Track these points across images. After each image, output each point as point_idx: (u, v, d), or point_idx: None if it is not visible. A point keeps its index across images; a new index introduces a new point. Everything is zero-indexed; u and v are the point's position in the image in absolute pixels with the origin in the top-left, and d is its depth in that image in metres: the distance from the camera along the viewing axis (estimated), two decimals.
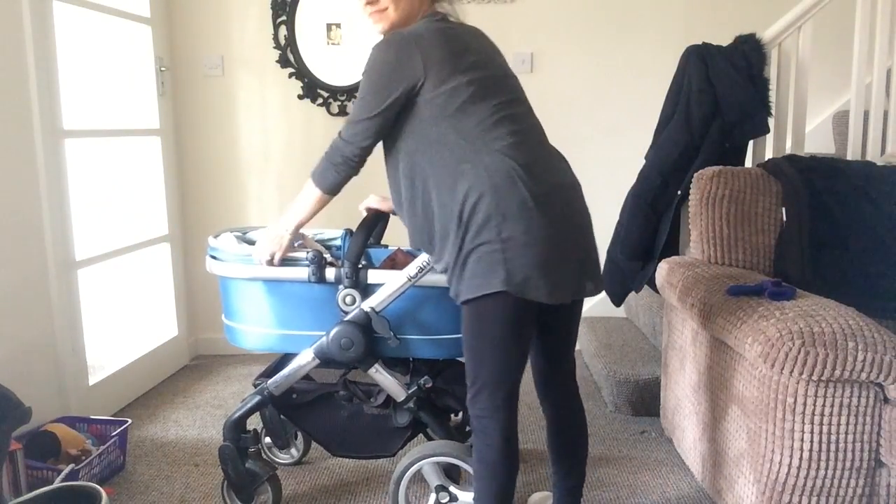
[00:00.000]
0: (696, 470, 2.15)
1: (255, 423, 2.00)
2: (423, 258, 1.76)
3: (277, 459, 2.34)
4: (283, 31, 3.30)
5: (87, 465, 2.11)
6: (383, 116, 1.57)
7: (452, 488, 1.88)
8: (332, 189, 1.67)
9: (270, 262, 1.80)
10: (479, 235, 1.49)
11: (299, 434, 2.34)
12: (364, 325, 1.80)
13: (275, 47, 3.31)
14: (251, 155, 3.40)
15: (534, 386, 1.82)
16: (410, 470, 1.86)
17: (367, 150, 1.63)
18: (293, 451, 2.35)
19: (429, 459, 1.85)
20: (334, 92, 3.34)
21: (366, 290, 1.81)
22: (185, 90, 3.33)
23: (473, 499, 1.67)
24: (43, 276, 2.41)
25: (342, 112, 3.35)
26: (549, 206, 1.51)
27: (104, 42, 2.92)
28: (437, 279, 1.81)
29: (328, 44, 3.31)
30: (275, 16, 3.28)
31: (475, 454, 1.64)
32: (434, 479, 1.87)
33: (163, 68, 3.18)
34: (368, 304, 1.80)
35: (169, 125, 3.25)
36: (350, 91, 3.34)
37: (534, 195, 1.49)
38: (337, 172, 1.64)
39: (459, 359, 2.02)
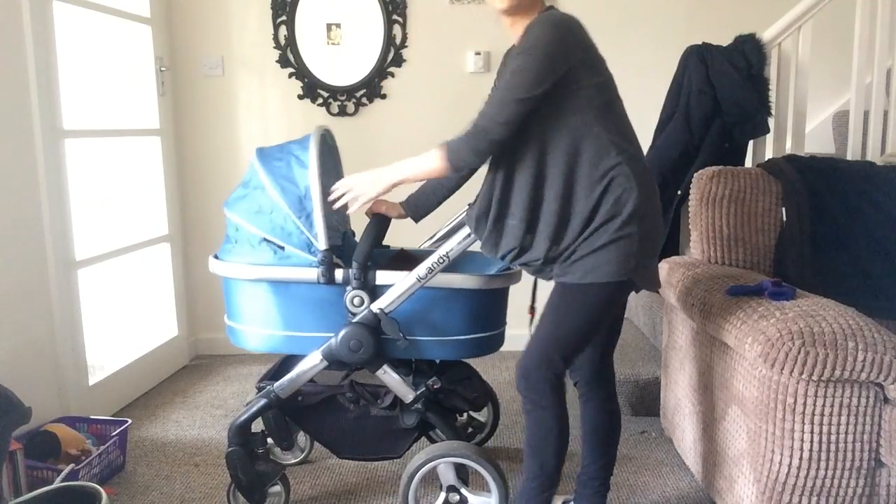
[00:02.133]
0: (696, 470, 2.15)
1: (257, 424, 2.00)
2: (432, 259, 1.75)
3: (280, 460, 2.33)
4: (283, 31, 3.30)
5: (87, 465, 2.11)
6: (538, 100, 1.52)
7: (463, 490, 1.88)
8: (461, 169, 1.63)
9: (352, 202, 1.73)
10: (624, 227, 1.57)
11: (301, 434, 2.34)
12: (373, 326, 1.80)
13: (275, 47, 3.31)
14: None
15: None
16: (426, 466, 1.86)
17: (513, 135, 1.56)
18: (296, 451, 2.35)
19: (447, 459, 1.85)
20: (334, 92, 3.34)
21: (374, 291, 1.81)
22: (185, 90, 3.33)
23: (529, 476, 1.72)
24: (43, 276, 2.41)
25: (342, 112, 3.35)
26: (660, 207, 1.70)
27: (104, 42, 2.92)
28: (448, 279, 1.81)
29: (328, 44, 3.31)
30: (275, 16, 3.28)
31: (539, 426, 1.69)
32: (448, 479, 1.88)
33: (163, 68, 3.18)
34: (377, 306, 1.80)
35: (169, 125, 3.25)
36: (350, 91, 3.34)
37: (658, 197, 1.68)
38: (478, 156, 1.58)
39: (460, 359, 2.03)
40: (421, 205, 2.00)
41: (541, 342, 1.67)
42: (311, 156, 1.83)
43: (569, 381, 1.80)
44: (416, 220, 2.02)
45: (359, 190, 1.73)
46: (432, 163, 1.62)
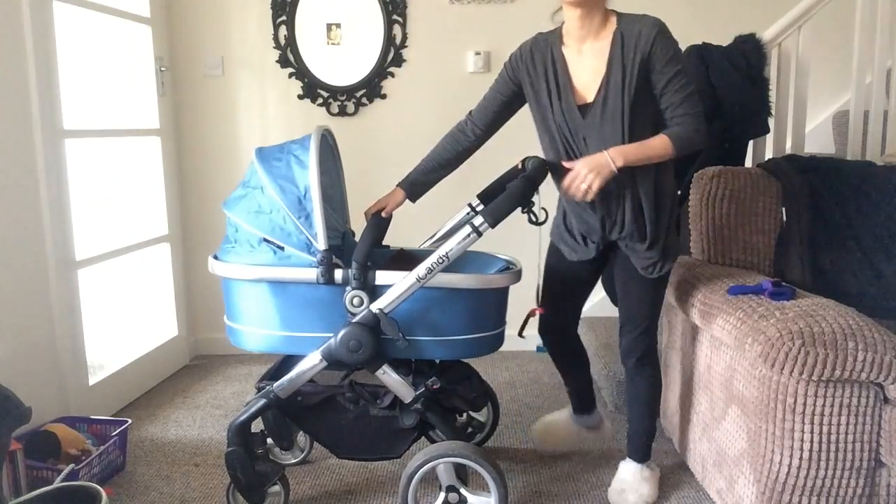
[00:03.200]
0: (696, 470, 2.15)
1: (256, 424, 2.00)
2: (432, 259, 1.75)
3: (279, 460, 2.33)
4: (283, 31, 3.30)
5: (87, 465, 2.11)
6: None
7: (462, 490, 1.88)
8: (680, 153, 1.80)
9: (585, 193, 1.76)
10: (673, 214, 1.93)
11: (301, 434, 2.33)
12: (372, 326, 1.80)
13: (275, 47, 3.31)
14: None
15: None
16: (425, 467, 1.86)
17: None
18: (296, 451, 2.35)
19: (446, 459, 1.85)
20: (334, 92, 3.34)
21: (373, 291, 1.81)
22: (185, 90, 3.33)
23: (646, 413, 2.08)
24: (43, 276, 2.41)
25: (342, 112, 3.35)
26: None
27: (104, 42, 2.92)
28: (448, 279, 1.81)
29: (328, 44, 3.31)
30: (275, 16, 3.29)
31: (656, 384, 2.09)
32: (447, 479, 1.87)
33: (163, 68, 3.18)
34: (377, 306, 1.79)
35: (169, 125, 3.25)
36: (350, 91, 3.34)
37: None
38: (700, 143, 1.81)
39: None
40: (419, 184, 2.04)
41: (650, 324, 2.01)
42: (311, 156, 1.83)
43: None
44: (414, 199, 2.05)
45: (589, 181, 1.75)
46: (663, 150, 1.78)
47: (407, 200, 2.04)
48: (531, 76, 1.89)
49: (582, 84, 1.83)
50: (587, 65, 1.82)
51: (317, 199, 1.79)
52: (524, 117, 2.04)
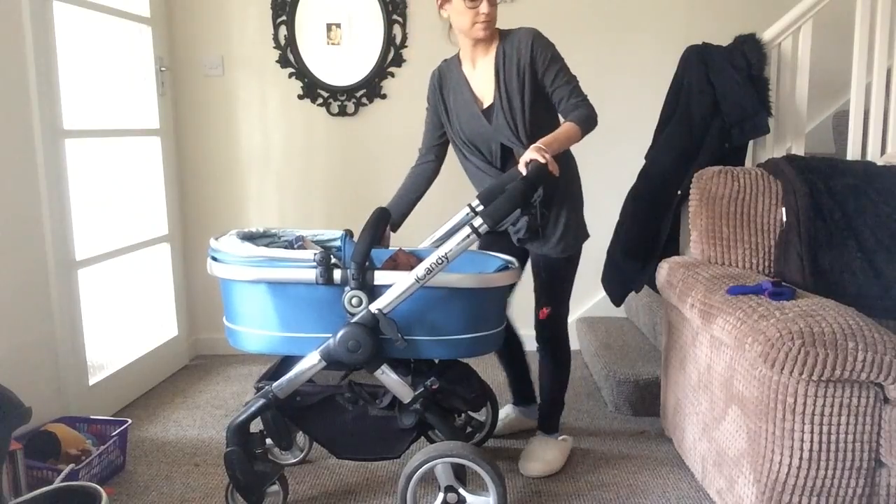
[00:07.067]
0: (696, 470, 2.14)
1: (255, 424, 2.00)
2: (431, 259, 1.75)
3: (279, 460, 2.33)
4: (283, 31, 3.30)
5: (87, 465, 2.11)
6: None
7: (461, 490, 1.88)
8: (586, 134, 2.02)
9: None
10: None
11: (300, 434, 2.33)
12: (371, 326, 1.80)
13: (275, 47, 3.31)
14: (251, 155, 3.40)
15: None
16: (424, 468, 1.86)
17: None
18: (295, 450, 2.35)
19: (444, 459, 1.85)
20: (334, 92, 3.34)
21: (372, 291, 1.81)
22: (185, 90, 3.33)
23: (553, 389, 2.32)
24: (43, 276, 2.41)
25: (342, 112, 3.35)
26: None
27: (104, 42, 2.92)
28: (446, 278, 1.81)
29: (328, 44, 3.31)
30: (275, 16, 3.29)
31: (560, 356, 2.29)
32: (445, 479, 1.87)
33: (163, 68, 3.18)
34: (376, 306, 1.79)
35: (169, 125, 3.25)
36: (350, 91, 3.33)
37: None
38: (596, 123, 2.04)
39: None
40: (400, 218, 2.23)
41: (557, 302, 2.22)
42: (224, 256, 1.90)
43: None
44: (395, 229, 2.22)
45: (549, 159, 1.85)
46: (571, 134, 1.97)
47: None
48: (445, 99, 2.21)
49: (480, 93, 2.14)
50: (481, 76, 2.13)
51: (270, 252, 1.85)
52: None
